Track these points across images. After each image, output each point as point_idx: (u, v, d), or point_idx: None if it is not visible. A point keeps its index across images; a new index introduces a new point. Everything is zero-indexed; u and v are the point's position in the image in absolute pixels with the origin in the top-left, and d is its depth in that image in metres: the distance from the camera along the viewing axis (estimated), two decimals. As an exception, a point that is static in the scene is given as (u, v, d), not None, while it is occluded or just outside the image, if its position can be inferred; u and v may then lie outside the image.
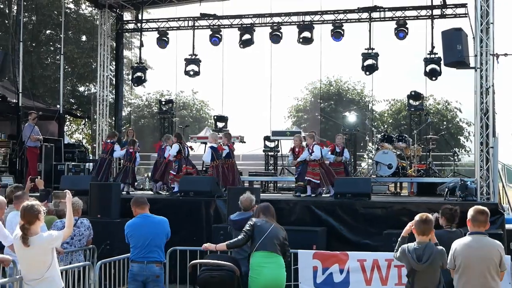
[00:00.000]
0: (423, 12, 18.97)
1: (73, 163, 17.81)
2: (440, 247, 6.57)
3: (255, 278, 7.53)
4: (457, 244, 6.70)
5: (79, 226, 9.33)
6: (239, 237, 7.84)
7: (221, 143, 14.92)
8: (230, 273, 7.79)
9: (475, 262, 6.58)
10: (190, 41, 20.87)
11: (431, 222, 6.54)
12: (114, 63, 22.31)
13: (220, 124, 20.48)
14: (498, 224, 11.62)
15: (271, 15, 20.27)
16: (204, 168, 17.13)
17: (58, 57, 30.07)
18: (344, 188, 13.28)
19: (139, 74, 21.12)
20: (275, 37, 19.99)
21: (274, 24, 20.13)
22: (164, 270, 8.96)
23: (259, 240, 7.64)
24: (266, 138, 19.78)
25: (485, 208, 6.86)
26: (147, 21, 21.79)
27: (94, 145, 21.54)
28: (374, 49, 18.95)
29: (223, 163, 14.68)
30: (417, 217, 6.57)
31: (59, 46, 28.49)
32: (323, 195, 14.94)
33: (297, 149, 14.81)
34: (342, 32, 19.36)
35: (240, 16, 20.43)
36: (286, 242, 7.89)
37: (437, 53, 17.94)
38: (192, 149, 16.06)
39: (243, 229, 7.86)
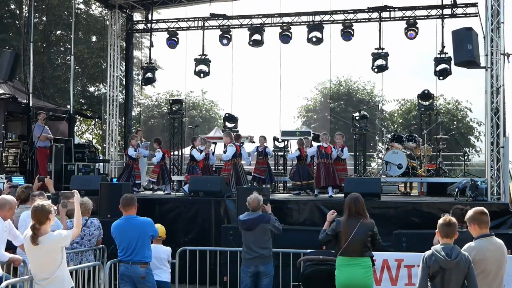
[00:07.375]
0: (434, 12, 18.99)
1: (83, 163, 17.87)
2: (467, 254, 6.42)
3: (336, 277, 7.66)
4: (471, 250, 6.48)
5: (89, 226, 9.33)
6: (323, 235, 7.90)
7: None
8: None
9: (496, 266, 6.49)
10: (200, 41, 20.91)
11: (455, 225, 6.44)
12: (124, 63, 22.41)
13: (229, 124, 20.46)
14: (509, 224, 11.56)
15: (281, 15, 20.30)
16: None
17: (68, 57, 30.15)
18: (354, 188, 13.18)
19: (149, 74, 21.21)
20: (285, 37, 20.04)
21: (284, 24, 20.15)
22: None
23: (342, 245, 7.61)
24: (276, 139, 19.73)
25: (483, 208, 6.78)
26: (157, 21, 21.85)
27: (104, 145, 21.60)
28: (384, 49, 18.98)
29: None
30: (440, 221, 6.47)
31: (69, 46, 28.59)
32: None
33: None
34: (352, 32, 19.42)
35: (250, 16, 20.47)
36: (374, 235, 7.75)
37: (447, 53, 17.93)
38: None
39: (328, 229, 7.86)
